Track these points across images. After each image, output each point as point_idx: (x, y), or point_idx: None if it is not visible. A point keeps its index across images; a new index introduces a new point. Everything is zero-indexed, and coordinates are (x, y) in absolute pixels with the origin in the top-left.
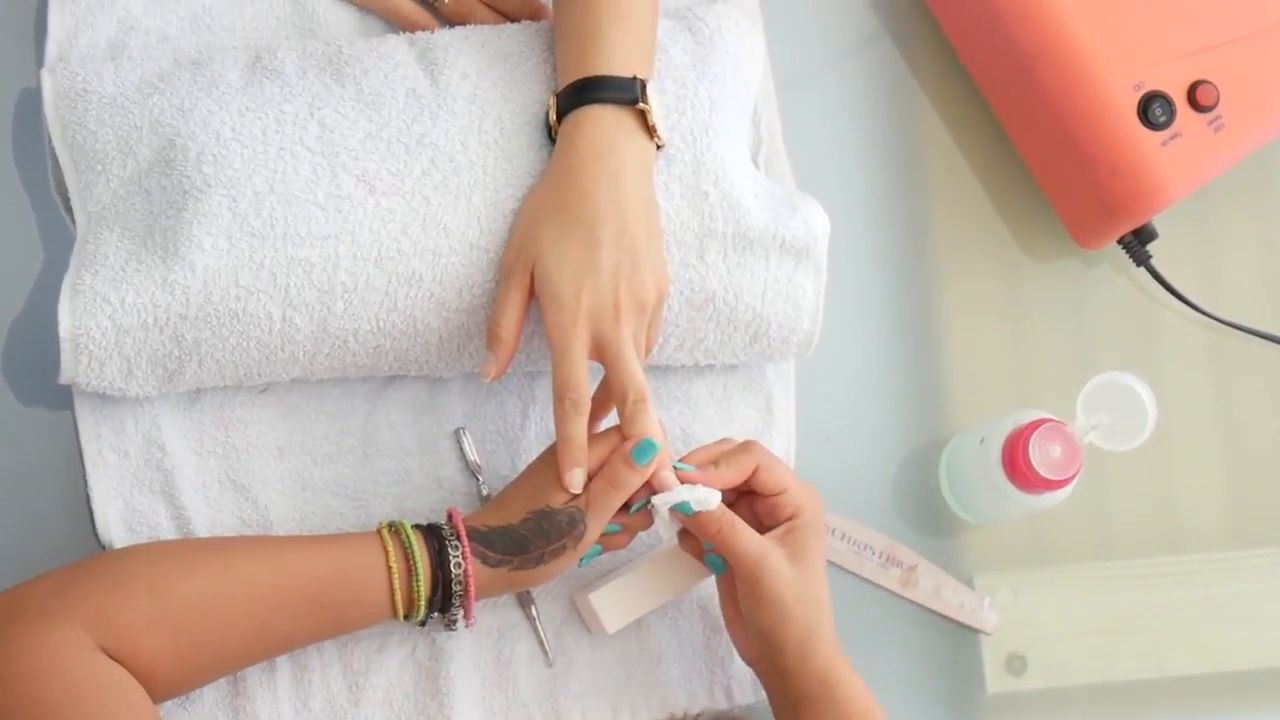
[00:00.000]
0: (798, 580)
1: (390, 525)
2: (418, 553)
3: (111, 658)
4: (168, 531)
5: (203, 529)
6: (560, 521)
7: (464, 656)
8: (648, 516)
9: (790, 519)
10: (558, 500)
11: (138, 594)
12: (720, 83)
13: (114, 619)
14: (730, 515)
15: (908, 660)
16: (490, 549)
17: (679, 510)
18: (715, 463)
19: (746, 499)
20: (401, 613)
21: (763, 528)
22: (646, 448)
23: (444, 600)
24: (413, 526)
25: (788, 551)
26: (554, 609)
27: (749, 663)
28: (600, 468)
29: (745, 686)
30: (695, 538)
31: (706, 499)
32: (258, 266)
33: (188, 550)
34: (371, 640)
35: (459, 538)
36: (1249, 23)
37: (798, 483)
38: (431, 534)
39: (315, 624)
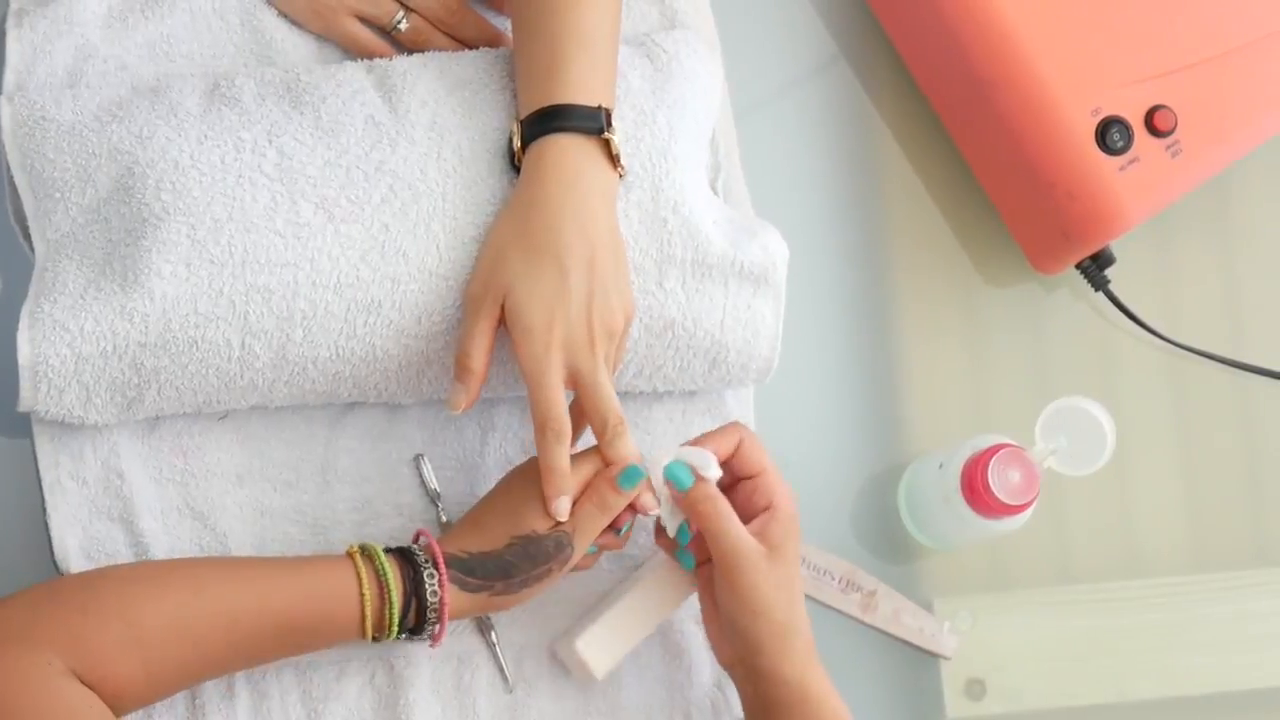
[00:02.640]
0: (775, 577)
1: (363, 550)
2: (392, 581)
3: (82, 680)
4: (126, 559)
5: (161, 556)
6: (547, 547)
7: (423, 684)
8: (624, 540)
9: (766, 509)
10: (543, 525)
11: (109, 617)
12: (679, 109)
13: (86, 642)
14: (723, 501)
15: (867, 685)
16: (470, 575)
17: (674, 482)
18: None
19: (727, 495)
20: (372, 634)
21: (744, 520)
22: (633, 473)
23: (417, 624)
24: (385, 552)
25: (767, 546)
26: (513, 635)
27: (724, 666)
28: (583, 491)
29: (704, 712)
30: (666, 536)
31: (706, 462)
32: (217, 294)
33: (158, 572)
34: (330, 667)
35: (435, 564)
36: (1206, 48)
37: (776, 470)
38: (406, 560)
39: (283, 645)
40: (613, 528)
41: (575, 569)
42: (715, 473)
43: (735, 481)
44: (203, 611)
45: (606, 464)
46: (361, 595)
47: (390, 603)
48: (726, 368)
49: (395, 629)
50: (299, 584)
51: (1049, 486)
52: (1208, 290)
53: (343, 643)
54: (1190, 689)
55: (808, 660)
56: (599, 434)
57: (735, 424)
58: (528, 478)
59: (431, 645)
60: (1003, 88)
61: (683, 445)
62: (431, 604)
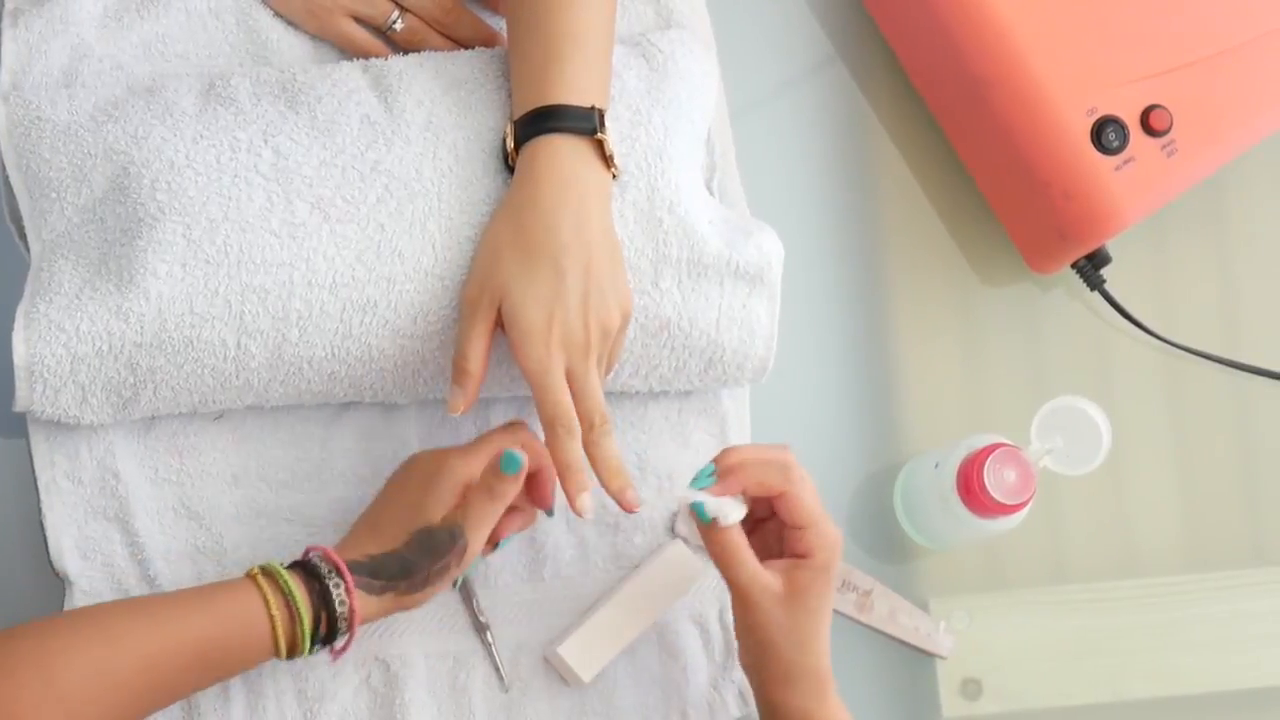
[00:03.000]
0: (784, 620)
1: (264, 570)
2: (299, 599)
3: None
4: (122, 559)
5: (156, 555)
6: (442, 539)
7: (419, 684)
8: (531, 518)
9: (800, 557)
10: (436, 516)
11: (27, 678)
12: (674, 109)
13: (8, 707)
14: (736, 541)
15: (863, 685)
16: (375, 577)
17: (697, 513)
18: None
19: (777, 520)
20: (285, 652)
21: (781, 552)
22: (511, 459)
23: (329, 634)
24: (288, 569)
25: (783, 590)
26: (510, 635)
27: (744, 668)
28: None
29: (701, 713)
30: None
31: (726, 512)
32: (212, 294)
33: (70, 627)
34: (326, 667)
35: (340, 573)
36: (1201, 47)
37: (822, 523)
38: (310, 574)
39: (203, 676)
40: (492, 542)
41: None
42: (736, 518)
43: (773, 514)
44: (119, 659)
45: (593, 462)
46: (271, 617)
47: (300, 620)
48: (722, 367)
49: (308, 643)
50: (207, 616)
51: (1045, 486)
52: (1203, 290)
53: (259, 662)
54: (1186, 689)
55: (816, 696)
56: (585, 434)
57: (790, 472)
58: (422, 471)
59: (332, 659)
60: (998, 87)
61: (721, 454)
62: (341, 614)
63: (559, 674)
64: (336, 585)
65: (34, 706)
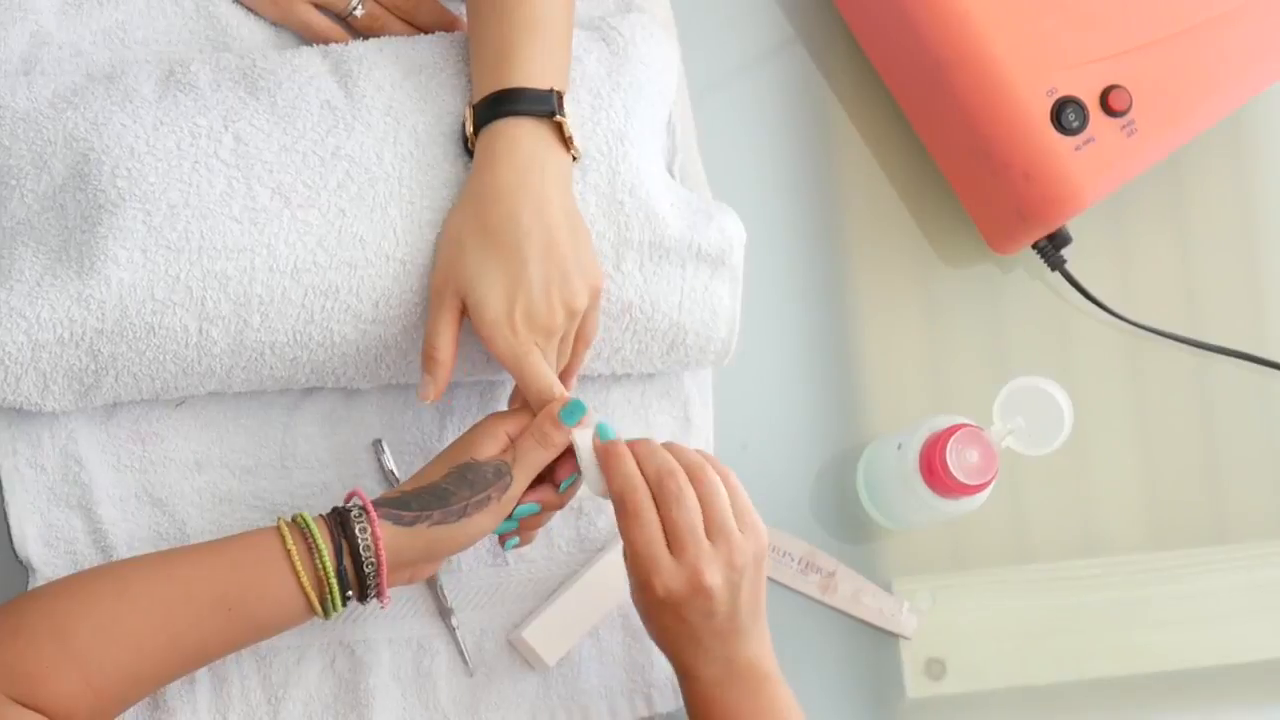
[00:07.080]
0: (658, 621)
1: (293, 518)
2: (315, 530)
3: (27, 706)
4: (85, 546)
5: (120, 543)
6: (486, 473)
7: (383, 668)
8: (564, 498)
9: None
10: (482, 454)
11: (39, 637)
12: (635, 92)
13: (20, 668)
14: (646, 509)
15: (827, 665)
16: (405, 509)
17: (600, 435)
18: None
19: None
20: (314, 597)
21: None
22: (575, 408)
23: (359, 580)
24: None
25: (633, 596)
26: (474, 619)
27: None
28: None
29: (666, 694)
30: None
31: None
32: (173, 280)
33: (81, 582)
34: (290, 652)
35: (364, 508)
36: (1161, 27)
37: (649, 572)
38: (334, 513)
39: (228, 629)
40: (553, 482)
41: (525, 530)
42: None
43: None
44: (133, 611)
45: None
46: (287, 551)
47: (319, 550)
48: (684, 350)
49: (333, 581)
50: (225, 560)
51: (1007, 466)
52: (1163, 269)
53: (295, 620)
54: (1149, 667)
55: (710, 687)
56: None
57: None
58: (474, 429)
59: (380, 602)
60: (958, 69)
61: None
62: (364, 541)
63: (523, 658)
64: (359, 515)
65: (49, 665)
